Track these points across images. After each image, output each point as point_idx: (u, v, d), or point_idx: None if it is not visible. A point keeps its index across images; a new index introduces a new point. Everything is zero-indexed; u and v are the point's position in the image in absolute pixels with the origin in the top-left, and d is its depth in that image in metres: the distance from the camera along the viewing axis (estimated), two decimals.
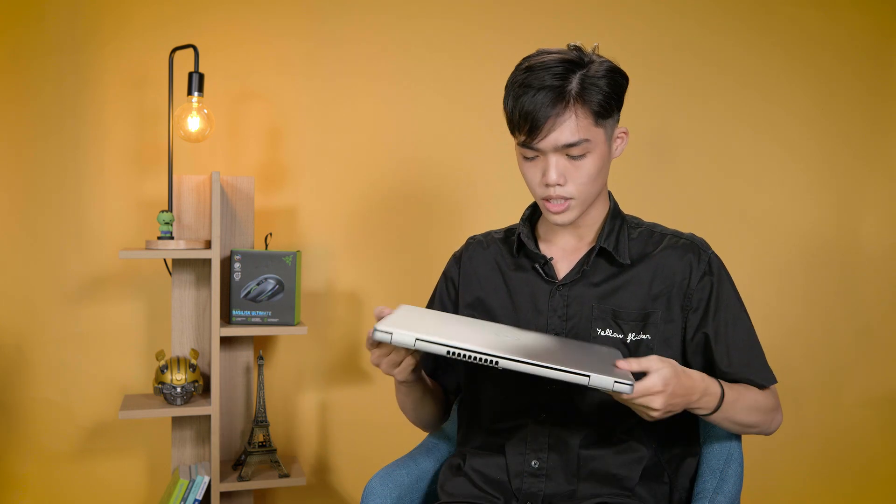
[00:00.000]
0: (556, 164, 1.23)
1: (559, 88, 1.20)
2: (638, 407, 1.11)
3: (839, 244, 2.65)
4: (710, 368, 1.29)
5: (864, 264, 2.66)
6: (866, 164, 2.66)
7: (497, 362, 1.05)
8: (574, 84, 1.21)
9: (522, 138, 1.24)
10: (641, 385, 1.08)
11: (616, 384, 1.04)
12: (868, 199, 2.66)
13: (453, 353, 1.05)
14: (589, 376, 1.04)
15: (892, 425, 2.67)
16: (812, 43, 2.61)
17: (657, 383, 1.09)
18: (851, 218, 2.66)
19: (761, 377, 1.29)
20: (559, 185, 1.24)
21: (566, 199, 1.25)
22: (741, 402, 1.24)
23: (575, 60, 1.23)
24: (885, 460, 2.66)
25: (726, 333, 1.28)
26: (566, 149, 1.22)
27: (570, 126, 1.21)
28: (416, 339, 1.06)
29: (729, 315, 1.29)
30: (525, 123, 1.21)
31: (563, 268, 1.34)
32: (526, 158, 1.27)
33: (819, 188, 2.64)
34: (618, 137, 1.30)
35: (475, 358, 1.05)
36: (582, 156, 1.23)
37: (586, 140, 1.22)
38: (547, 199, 1.26)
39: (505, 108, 1.26)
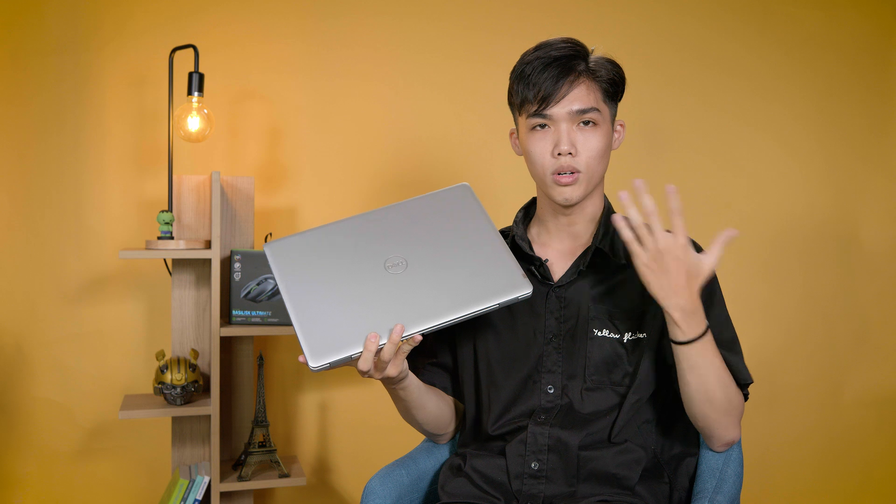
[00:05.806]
0: (567, 132, 1.25)
1: (569, 59, 1.25)
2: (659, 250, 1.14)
3: (838, 243, 2.64)
4: None
5: (864, 264, 2.66)
6: (866, 163, 2.66)
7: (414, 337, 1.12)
8: (581, 63, 1.27)
9: (534, 107, 1.26)
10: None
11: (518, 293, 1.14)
12: (867, 198, 2.66)
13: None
14: (495, 305, 1.13)
15: (891, 425, 2.67)
16: (812, 43, 2.61)
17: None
18: (851, 217, 2.65)
19: (737, 375, 1.25)
20: (570, 154, 1.25)
21: (575, 170, 1.26)
22: (718, 364, 1.20)
23: (579, 46, 1.29)
24: (885, 460, 2.66)
25: (714, 333, 1.25)
26: (580, 115, 1.25)
27: (583, 92, 1.25)
28: (330, 363, 1.09)
29: (712, 315, 1.26)
30: (539, 91, 1.24)
31: (558, 269, 1.33)
32: (535, 130, 1.27)
33: (818, 187, 2.64)
34: (615, 130, 1.34)
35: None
36: (593, 125, 1.26)
37: (597, 109, 1.26)
38: (556, 172, 1.26)
39: (512, 84, 1.29)
